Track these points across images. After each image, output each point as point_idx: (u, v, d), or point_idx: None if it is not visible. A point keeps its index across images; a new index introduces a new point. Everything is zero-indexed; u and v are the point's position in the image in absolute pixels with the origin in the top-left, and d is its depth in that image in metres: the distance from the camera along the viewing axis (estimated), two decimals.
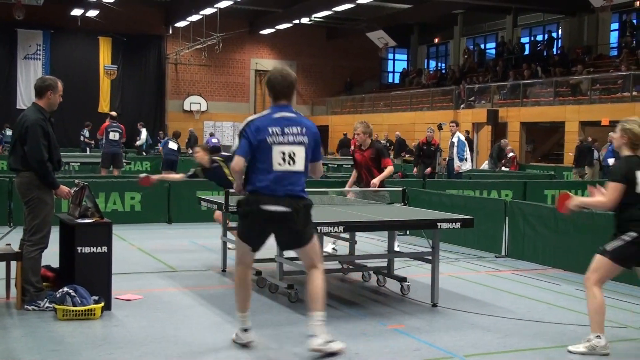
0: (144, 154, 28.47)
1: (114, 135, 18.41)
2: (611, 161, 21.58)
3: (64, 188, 6.99)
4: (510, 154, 25.79)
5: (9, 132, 27.80)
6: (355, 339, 6.02)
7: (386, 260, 8.33)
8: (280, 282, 7.57)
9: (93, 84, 37.77)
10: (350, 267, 8.77)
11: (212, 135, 35.51)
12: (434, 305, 7.32)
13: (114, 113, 20.47)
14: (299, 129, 5.55)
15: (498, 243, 10.67)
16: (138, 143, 29.72)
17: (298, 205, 5.50)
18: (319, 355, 5.42)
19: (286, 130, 5.49)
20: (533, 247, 10.01)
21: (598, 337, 5.73)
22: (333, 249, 10.09)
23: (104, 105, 37.94)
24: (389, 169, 9.94)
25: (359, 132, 9.94)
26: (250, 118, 5.65)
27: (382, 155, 10.05)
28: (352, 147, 10.05)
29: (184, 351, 5.60)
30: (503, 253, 10.51)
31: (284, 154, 5.47)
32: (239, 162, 5.50)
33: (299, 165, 5.53)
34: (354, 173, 10.40)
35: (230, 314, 6.79)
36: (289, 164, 5.48)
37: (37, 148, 6.66)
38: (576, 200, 6.04)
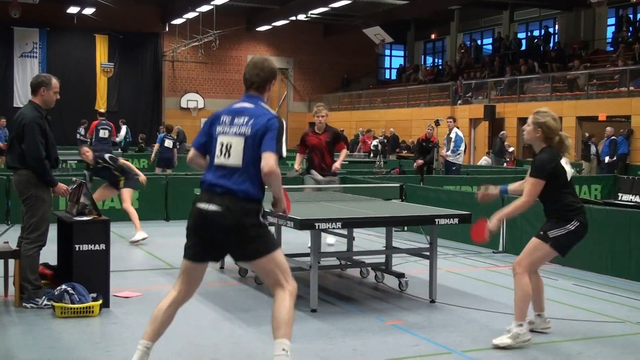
0: (120, 150, 28.13)
1: (103, 133, 18.48)
2: (607, 159, 21.65)
3: (61, 185, 6.98)
4: (510, 149, 25.82)
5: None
6: (353, 335, 6.03)
7: (384, 256, 8.34)
8: None
9: (90, 82, 37.72)
10: (348, 263, 8.78)
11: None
12: (432, 301, 7.33)
13: (102, 110, 20.40)
14: (245, 119, 4.81)
15: (496, 239, 10.67)
16: (117, 140, 29.58)
17: (233, 206, 4.69)
18: None
19: (235, 120, 4.85)
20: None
21: (520, 325, 5.79)
22: (329, 244, 10.16)
23: (100, 103, 37.86)
24: (344, 152, 10.38)
25: (323, 115, 10.21)
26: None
27: (339, 139, 10.37)
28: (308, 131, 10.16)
29: (183, 348, 5.61)
30: (501, 249, 10.52)
31: (222, 145, 4.82)
32: (190, 153, 5.03)
33: (235, 159, 4.75)
34: (299, 156, 10.60)
35: (228, 311, 6.80)
36: (225, 156, 4.79)
37: (34, 146, 6.66)
38: (494, 219, 6.03)
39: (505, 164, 24.00)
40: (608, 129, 22.63)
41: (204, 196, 4.78)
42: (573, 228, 5.87)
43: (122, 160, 11.28)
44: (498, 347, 5.71)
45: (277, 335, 4.72)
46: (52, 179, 6.83)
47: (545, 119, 5.95)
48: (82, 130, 27.96)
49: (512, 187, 6.37)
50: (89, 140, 18.98)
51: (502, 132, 25.85)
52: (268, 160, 4.66)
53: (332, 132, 10.35)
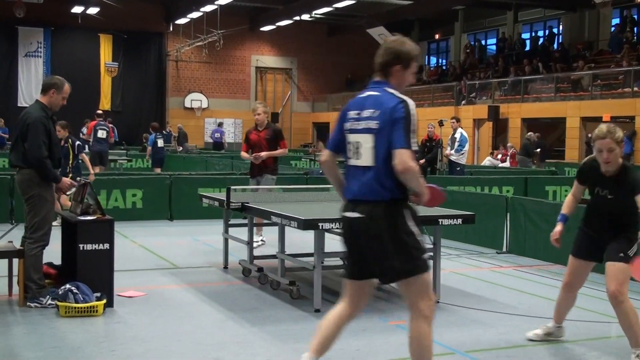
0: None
1: (102, 134, 18.63)
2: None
3: (65, 180, 7.04)
4: (511, 150, 25.76)
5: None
6: (357, 335, 6.03)
7: None
8: (282, 278, 7.58)
9: (94, 81, 37.75)
10: None
11: (219, 125, 35.37)
12: (436, 302, 7.33)
13: (100, 111, 20.54)
14: (370, 111, 4.33)
15: (499, 239, 10.68)
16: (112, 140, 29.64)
17: (375, 212, 4.25)
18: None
19: (361, 113, 4.38)
20: (534, 243, 10.01)
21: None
22: (262, 240, 10.34)
23: (105, 103, 37.93)
24: (283, 150, 10.49)
25: (259, 112, 10.35)
26: None
27: (279, 137, 10.47)
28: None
29: (187, 348, 5.61)
30: (504, 249, 10.51)
31: (351, 144, 4.40)
32: (324, 156, 4.58)
33: (365, 159, 4.31)
34: (244, 155, 10.66)
35: (232, 311, 6.81)
36: (355, 157, 4.37)
37: (36, 145, 6.66)
38: None
39: (533, 166, 23.36)
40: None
41: (348, 204, 4.39)
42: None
43: (83, 156, 12.51)
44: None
45: None
46: (55, 175, 6.85)
47: (618, 132, 5.57)
48: (84, 130, 28.02)
49: (567, 211, 5.97)
50: (90, 140, 19.07)
51: (529, 133, 25.10)
52: (400, 157, 4.15)
53: (272, 130, 10.48)
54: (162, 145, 19.08)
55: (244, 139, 10.80)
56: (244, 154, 10.66)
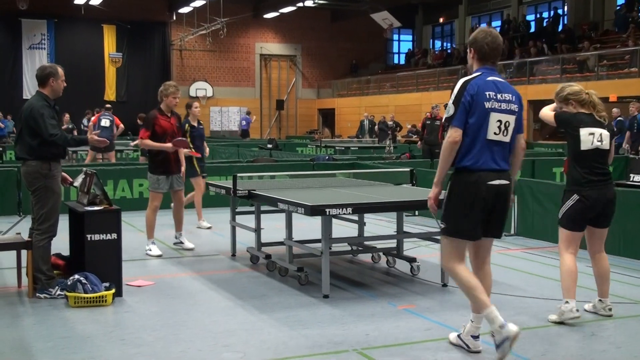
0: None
1: (105, 122, 18.86)
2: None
3: (91, 137, 7.10)
4: None
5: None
6: (366, 320, 6.04)
7: (395, 241, 8.33)
8: (290, 265, 7.58)
9: (98, 72, 37.76)
10: (360, 248, 8.78)
11: (248, 114, 35.62)
12: (444, 285, 7.33)
13: (108, 105, 20.73)
14: (509, 95, 5.02)
15: (507, 222, 10.62)
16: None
17: (511, 180, 5.13)
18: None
19: (499, 96, 4.98)
20: (542, 225, 9.99)
21: (567, 302, 5.95)
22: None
23: (109, 94, 37.96)
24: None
25: (177, 96, 9.35)
26: (463, 79, 5.07)
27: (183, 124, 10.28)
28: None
29: (196, 335, 5.62)
30: (512, 231, 10.49)
31: (500, 122, 4.97)
32: (457, 135, 4.95)
33: (509, 137, 5.03)
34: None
35: (241, 298, 6.81)
36: (503, 134, 5.00)
37: (48, 126, 6.68)
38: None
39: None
40: (614, 110, 22.44)
41: (491, 175, 4.96)
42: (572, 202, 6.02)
43: None
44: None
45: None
46: (80, 139, 6.92)
47: (568, 89, 6.18)
48: (85, 122, 28.02)
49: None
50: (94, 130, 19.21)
51: None
52: (524, 140, 5.24)
53: (177, 117, 9.48)
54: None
55: (148, 126, 9.16)
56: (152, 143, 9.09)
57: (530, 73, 28.81)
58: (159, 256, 8.87)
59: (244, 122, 34.61)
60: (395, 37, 45.56)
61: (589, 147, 5.98)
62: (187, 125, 10.81)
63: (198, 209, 11.24)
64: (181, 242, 9.54)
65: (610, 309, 6.21)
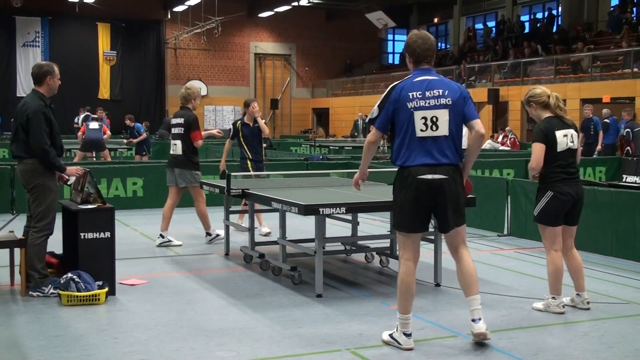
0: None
1: (93, 125, 18.99)
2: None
3: (71, 168, 7.07)
4: (511, 136, 25.66)
5: None
6: (359, 320, 6.05)
7: (389, 240, 8.34)
8: (283, 264, 7.59)
9: (92, 70, 37.66)
10: (353, 248, 8.79)
11: None
12: (438, 285, 7.35)
13: (94, 115, 20.84)
14: (440, 91, 5.24)
15: (500, 222, 10.68)
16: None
17: (454, 174, 5.27)
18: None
19: (427, 93, 5.22)
20: (535, 225, 9.97)
21: (553, 298, 6.31)
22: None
23: (104, 92, 37.89)
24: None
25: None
26: (391, 85, 5.46)
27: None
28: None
29: (190, 334, 5.63)
30: (505, 232, 10.52)
31: (425, 119, 5.19)
32: (374, 137, 5.41)
33: (442, 130, 5.20)
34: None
35: (234, 297, 6.82)
36: (432, 129, 5.19)
37: (39, 135, 6.67)
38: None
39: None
40: (604, 110, 22.45)
41: (422, 169, 5.16)
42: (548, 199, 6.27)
43: None
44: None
45: (476, 291, 5.34)
46: (60, 164, 6.88)
47: (531, 92, 6.45)
48: (79, 120, 27.94)
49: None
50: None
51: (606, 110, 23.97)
52: (481, 125, 5.30)
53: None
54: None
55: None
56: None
57: (524, 74, 28.85)
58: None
59: None
60: (390, 37, 45.57)
61: (564, 148, 6.27)
62: (238, 122, 10.73)
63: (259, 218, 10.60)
64: (210, 234, 9.95)
65: (588, 302, 6.44)
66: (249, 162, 10.61)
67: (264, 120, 10.64)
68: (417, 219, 5.28)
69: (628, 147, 19.70)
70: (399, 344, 5.29)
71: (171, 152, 9.86)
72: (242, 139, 10.62)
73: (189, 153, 9.67)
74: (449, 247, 5.51)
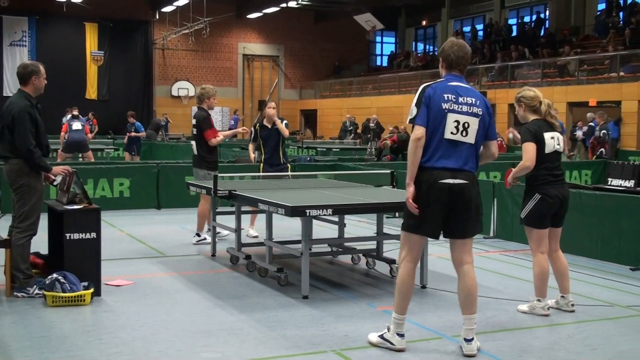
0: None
1: (76, 126, 18.93)
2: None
3: (57, 168, 7.04)
4: (498, 139, 25.77)
5: None
6: (345, 321, 6.06)
7: (375, 242, 8.36)
8: (269, 265, 7.59)
9: (80, 70, 37.50)
10: (340, 249, 8.80)
11: (235, 112, 36.04)
12: (423, 287, 7.37)
13: (75, 113, 20.75)
14: (473, 99, 5.21)
15: (486, 224, 10.71)
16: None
17: (474, 180, 5.23)
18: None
19: (460, 99, 5.17)
20: (521, 228, 9.99)
21: (538, 300, 6.37)
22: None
23: (91, 92, 37.75)
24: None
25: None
26: (424, 85, 5.32)
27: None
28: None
29: (175, 335, 5.62)
30: (491, 234, 10.56)
31: (458, 122, 5.14)
32: (420, 132, 5.14)
33: (471, 137, 5.17)
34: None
35: (220, 298, 6.81)
36: (462, 134, 5.15)
37: (25, 136, 6.64)
38: (510, 173, 6.48)
39: None
40: (589, 114, 22.61)
41: (444, 173, 5.10)
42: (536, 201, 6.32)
43: None
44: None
45: (474, 310, 5.27)
46: (45, 165, 6.85)
47: (523, 93, 6.47)
48: (66, 120, 27.85)
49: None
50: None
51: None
52: (497, 148, 5.42)
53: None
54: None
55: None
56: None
57: (511, 77, 28.97)
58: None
59: (232, 122, 34.66)
60: (378, 39, 45.68)
61: (551, 150, 6.31)
62: (257, 125, 10.56)
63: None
64: (199, 235, 9.92)
65: (572, 304, 6.49)
66: (261, 165, 10.47)
67: (284, 122, 10.45)
68: (433, 224, 5.20)
69: (602, 149, 19.89)
70: (392, 344, 5.29)
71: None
72: (260, 141, 10.49)
73: (202, 152, 9.83)
74: (454, 259, 5.35)
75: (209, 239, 9.48)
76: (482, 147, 5.32)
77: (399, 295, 5.29)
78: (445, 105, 5.12)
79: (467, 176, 5.15)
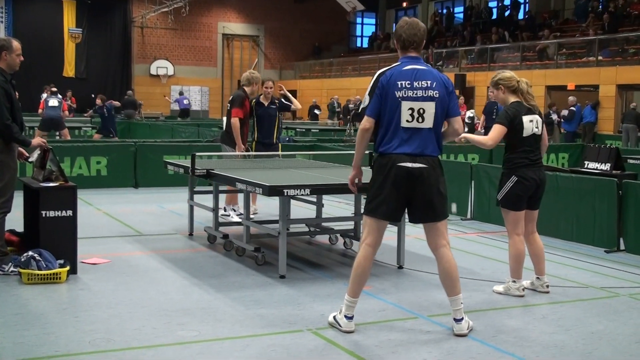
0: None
1: (53, 102, 18.79)
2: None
3: (35, 140, 6.99)
4: (476, 122, 25.82)
5: None
6: (322, 301, 6.08)
7: (353, 223, 8.37)
8: (247, 245, 7.58)
9: (57, 47, 37.11)
10: (317, 229, 8.81)
11: (181, 94, 35.18)
12: (400, 267, 7.40)
13: (54, 89, 20.61)
14: (428, 82, 5.11)
15: (464, 206, 10.77)
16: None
17: (435, 164, 5.17)
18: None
19: (415, 84, 5.08)
20: (498, 210, 10.07)
21: (513, 281, 6.43)
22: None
23: (69, 70, 37.38)
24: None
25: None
26: (379, 72, 5.27)
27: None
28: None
29: (151, 314, 5.61)
30: (469, 216, 10.62)
31: (412, 110, 5.08)
32: (368, 123, 5.18)
33: (428, 122, 5.11)
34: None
35: (197, 277, 6.81)
36: (418, 120, 5.09)
37: (0, 111, 6.56)
38: (467, 135, 6.26)
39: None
40: (570, 98, 22.74)
41: (403, 157, 5.08)
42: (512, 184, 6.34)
43: None
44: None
45: (457, 291, 5.29)
46: (24, 138, 6.79)
47: (500, 75, 6.46)
48: (44, 96, 27.57)
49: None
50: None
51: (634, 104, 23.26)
52: (460, 124, 5.30)
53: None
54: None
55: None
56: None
57: (491, 60, 29.05)
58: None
59: (185, 101, 33.86)
60: (359, 20, 45.57)
61: (529, 134, 6.31)
62: (253, 101, 10.17)
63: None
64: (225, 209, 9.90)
65: (547, 286, 6.56)
66: (253, 144, 10.25)
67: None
68: (391, 207, 5.20)
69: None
70: (340, 326, 5.30)
71: None
72: (255, 119, 10.23)
73: (227, 128, 10.07)
74: (429, 244, 5.36)
75: (235, 218, 9.57)
76: (445, 124, 5.33)
77: (354, 278, 5.30)
78: (399, 94, 5.08)
79: (427, 160, 5.12)
